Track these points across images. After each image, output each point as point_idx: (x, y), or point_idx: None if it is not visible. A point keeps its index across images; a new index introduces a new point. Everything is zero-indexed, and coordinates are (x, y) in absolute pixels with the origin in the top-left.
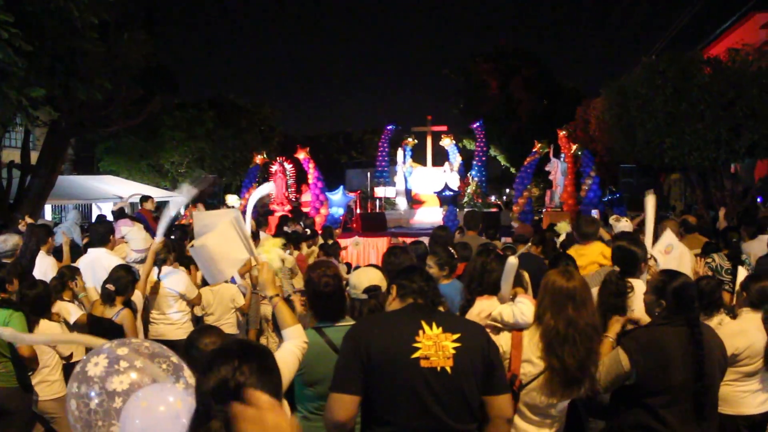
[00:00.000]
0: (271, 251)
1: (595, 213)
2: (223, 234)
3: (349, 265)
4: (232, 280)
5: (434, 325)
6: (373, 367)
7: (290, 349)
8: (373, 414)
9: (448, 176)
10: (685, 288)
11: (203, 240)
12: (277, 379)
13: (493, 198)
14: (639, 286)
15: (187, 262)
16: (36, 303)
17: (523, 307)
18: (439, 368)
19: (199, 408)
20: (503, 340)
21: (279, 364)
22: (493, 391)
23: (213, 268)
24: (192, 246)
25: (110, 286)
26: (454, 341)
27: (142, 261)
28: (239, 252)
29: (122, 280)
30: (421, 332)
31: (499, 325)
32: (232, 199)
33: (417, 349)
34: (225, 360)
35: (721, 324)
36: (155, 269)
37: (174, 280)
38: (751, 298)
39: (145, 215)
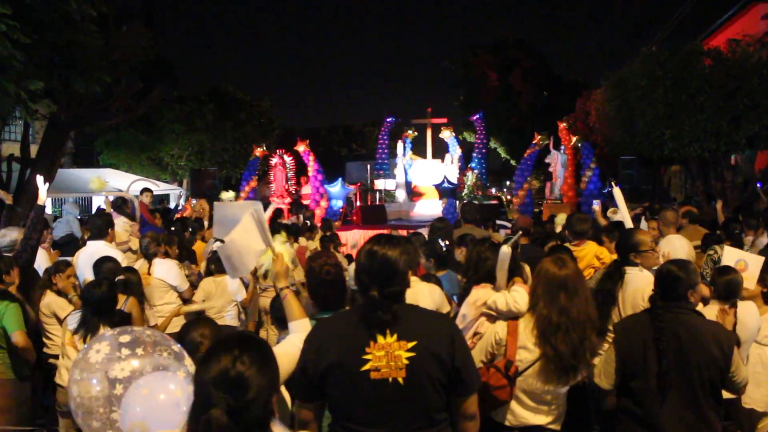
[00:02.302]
0: (282, 248)
1: (596, 204)
2: (246, 227)
3: (350, 257)
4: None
5: (388, 333)
6: (325, 379)
7: (294, 343)
8: (335, 417)
9: (449, 168)
10: (658, 274)
11: (231, 236)
12: (275, 371)
13: (493, 190)
14: (633, 274)
15: (186, 255)
16: (100, 304)
17: (517, 296)
18: (390, 379)
19: (199, 397)
20: (499, 327)
21: (281, 356)
22: (457, 394)
23: (238, 263)
24: (220, 243)
25: (121, 277)
26: (409, 350)
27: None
28: (259, 244)
29: (117, 270)
30: (372, 342)
31: (494, 313)
32: (228, 195)
33: (367, 361)
34: (225, 350)
35: None
36: (146, 262)
37: (164, 271)
38: (718, 291)
39: (141, 208)
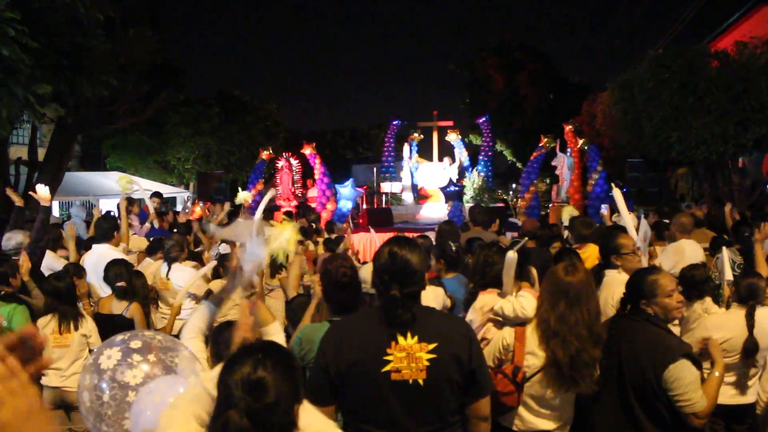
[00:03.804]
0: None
1: (605, 209)
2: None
3: (358, 260)
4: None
5: (409, 335)
6: (344, 379)
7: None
8: (348, 419)
9: (449, 171)
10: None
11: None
12: (298, 380)
13: (500, 192)
14: (610, 276)
15: (192, 257)
16: (68, 295)
17: (524, 301)
18: (411, 381)
19: (220, 398)
20: (507, 333)
21: None
22: (472, 396)
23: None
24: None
25: (122, 283)
26: (430, 352)
27: None
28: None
29: (124, 274)
30: (393, 343)
31: (500, 318)
32: (244, 195)
33: (388, 362)
34: (249, 354)
35: (707, 312)
36: (164, 265)
37: (182, 276)
38: (739, 293)
39: (146, 210)
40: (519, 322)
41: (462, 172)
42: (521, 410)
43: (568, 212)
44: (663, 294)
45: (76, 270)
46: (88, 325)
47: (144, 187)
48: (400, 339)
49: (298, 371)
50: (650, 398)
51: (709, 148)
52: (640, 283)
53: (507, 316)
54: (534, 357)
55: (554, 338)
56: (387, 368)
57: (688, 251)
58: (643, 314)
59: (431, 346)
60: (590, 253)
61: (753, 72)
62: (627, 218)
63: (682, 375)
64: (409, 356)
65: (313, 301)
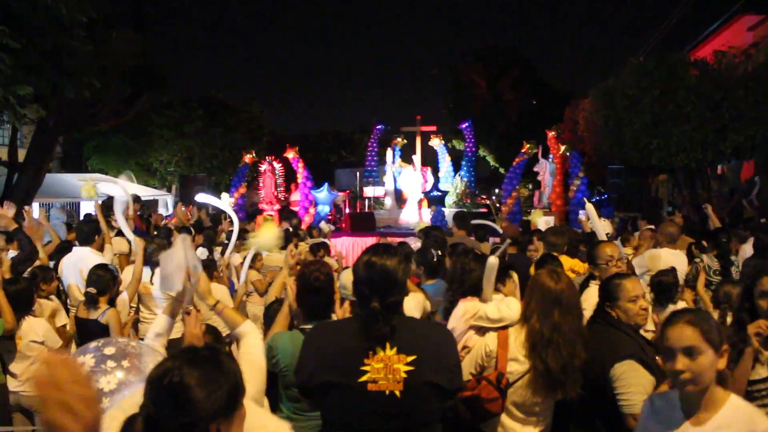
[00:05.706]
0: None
1: (582, 214)
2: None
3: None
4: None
5: (388, 346)
6: (322, 388)
7: (256, 345)
8: (328, 424)
9: (416, 176)
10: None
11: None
12: (225, 394)
13: (483, 197)
14: (591, 287)
15: None
16: (17, 299)
17: (509, 302)
18: (387, 392)
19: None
20: (489, 340)
21: (252, 367)
22: (446, 399)
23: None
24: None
25: (92, 290)
26: (408, 364)
27: None
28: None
29: (102, 279)
30: (371, 353)
31: (485, 324)
32: (225, 197)
33: (365, 372)
34: (173, 358)
35: None
36: (148, 270)
37: None
38: (718, 299)
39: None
40: (503, 326)
41: (435, 180)
42: (503, 417)
43: (538, 217)
44: (626, 298)
45: (43, 273)
46: (40, 332)
47: (125, 189)
48: (379, 350)
49: (229, 385)
50: (599, 401)
51: (689, 155)
52: (607, 286)
53: (491, 318)
54: (517, 363)
55: (548, 347)
56: (364, 378)
57: (665, 260)
58: (606, 317)
59: (410, 359)
60: (563, 265)
61: (731, 80)
62: (599, 229)
63: (626, 375)
64: (386, 367)
65: (285, 304)
